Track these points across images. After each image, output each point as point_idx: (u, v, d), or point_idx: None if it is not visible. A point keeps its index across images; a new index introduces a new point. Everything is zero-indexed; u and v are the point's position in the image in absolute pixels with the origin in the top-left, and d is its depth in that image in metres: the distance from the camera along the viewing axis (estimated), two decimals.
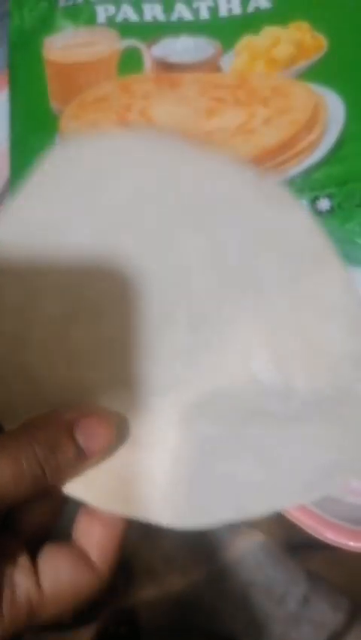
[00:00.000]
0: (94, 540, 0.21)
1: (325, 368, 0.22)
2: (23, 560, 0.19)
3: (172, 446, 0.21)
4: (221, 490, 0.21)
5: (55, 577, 0.20)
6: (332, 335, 0.22)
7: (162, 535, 0.59)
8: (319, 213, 0.32)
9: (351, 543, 0.28)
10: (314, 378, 0.22)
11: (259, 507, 0.21)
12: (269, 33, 0.37)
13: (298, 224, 0.23)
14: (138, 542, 0.60)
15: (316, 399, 0.21)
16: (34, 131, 0.36)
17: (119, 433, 0.21)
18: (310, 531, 0.28)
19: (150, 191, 0.23)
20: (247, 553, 0.60)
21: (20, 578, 0.19)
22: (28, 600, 0.19)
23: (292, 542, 0.60)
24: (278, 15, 0.37)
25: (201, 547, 0.60)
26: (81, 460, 0.20)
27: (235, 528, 0.60)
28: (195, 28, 0.38)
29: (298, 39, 0.36)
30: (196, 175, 0.23)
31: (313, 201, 0.32)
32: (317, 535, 0.28)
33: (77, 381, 0.22)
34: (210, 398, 0.22)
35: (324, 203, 0.32)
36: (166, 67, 0.38)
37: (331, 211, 0.32)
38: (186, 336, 0.22)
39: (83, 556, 0.21)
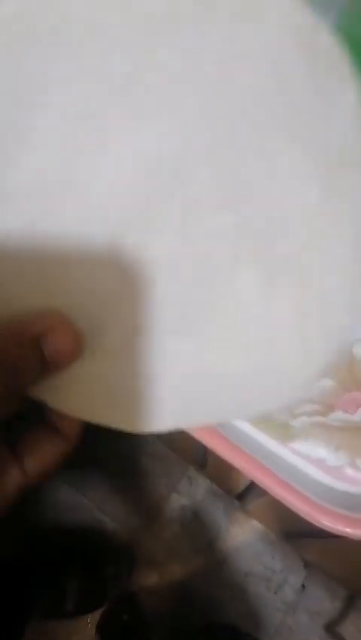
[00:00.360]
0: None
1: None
2: (5, 453, 0.21)
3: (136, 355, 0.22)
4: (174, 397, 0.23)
5: (37, 459, 0.22)
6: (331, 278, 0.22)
7: (163, 526, 0.61)
8: None
9: (348, 530, 0.29)
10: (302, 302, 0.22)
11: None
12: None
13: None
14: (140, 533, 0.62)
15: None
16: None
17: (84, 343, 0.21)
18: (306, 518, 0.29)
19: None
20: (245, 543, 0.61)
21: (5, 473, 0.21)
22: (16, 489, 0.22)
23: (289, 531, 0.62)
24: None
25: (201, 538, 0.61)
26: (46, 371, 0.20)
27: (232, 518, 0.62)
28: None
29: None
30: None
31: None
32: (313, 522, 0.29)
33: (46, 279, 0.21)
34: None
35: None
36: None
37: None
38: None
39: (55, 429, 0.23)
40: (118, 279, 0.21)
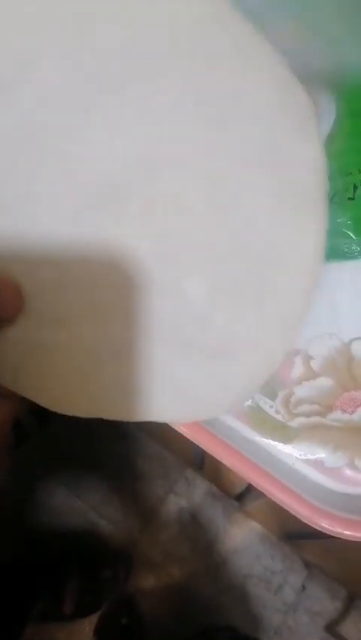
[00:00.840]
0: None
1: (252, 315, 0.24)
2: None
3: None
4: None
5: None
6: (273, 296, 0.24)
7: (161, 528, 0.60)
8: None
9: (347, 532, 0.28)
10: (237, 319, 0.24)
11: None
12: None
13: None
14: (138, 535, 0.61)
15: (229, 339, 0.24)
16: None
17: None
18: (305, 520, 0.28)
19: None
20: (245, 544, 0.61)
21: None
22: None
23: (288, 533, 0.61)
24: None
25: (199, 539, 0.60)
26: None
27: (231, 519, 0.61)
28: None
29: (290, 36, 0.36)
30: None
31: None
32: (312, 525, 0.28)
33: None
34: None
35: None
36: None
37: None
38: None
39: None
40: (98, 272, 0.23)
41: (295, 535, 0.60)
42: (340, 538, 0.28)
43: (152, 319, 0.23)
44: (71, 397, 0.24)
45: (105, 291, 0.23)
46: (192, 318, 0.24)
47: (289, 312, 0.25)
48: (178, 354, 0.24)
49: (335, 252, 0.32)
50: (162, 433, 0.62)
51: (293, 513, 0.28)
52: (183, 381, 0.24)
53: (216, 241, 0.23)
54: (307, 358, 0.32)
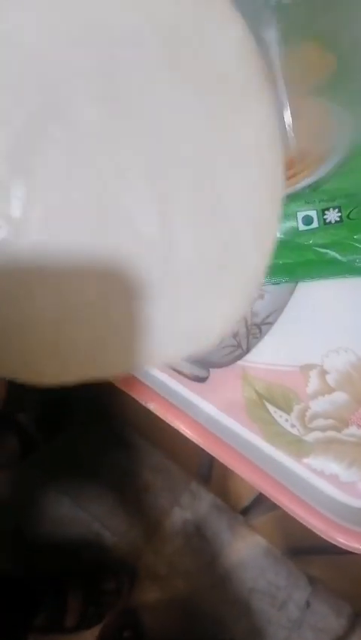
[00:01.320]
0: None
1: (215, 234, 0.22)
2: None
3: None
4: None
5: None
6: (234, 200, 0.22)
7: (165, 541, 0.60)
8: (328, 224, 0.33)
9: None
10: (201, 247, 0.22)
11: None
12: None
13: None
14: (141, 547, 0.61)
15: (194, 270, 0.22)
16: None
17: None
18: (321, 534, 0.28)
19: None
20: (249, 559, 0.60)
21: None
22: None
23: (293, 548, 0.61)
24: (288, 36, 0.38)
25: (204, 553, 0.60)
26: None
27: (236, 533, 0.61)
28: None
29: (308, 59, 0.37)
30: None
31: (323, 212, 0.33)
32: (328, 539, 0.28)
33: None
34: None
35: (333, 214, 0.33)
36: None
37: (340, 222, 0.33)
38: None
39: None
40: None
41: (299, 550, 0.59)
42: (345, 554, 0.28)
43: (111, 268, 0.22)
44: (46, 366, 0.23)
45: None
46: (152, 252, 0.22)
47: (257, 215, 0.23)
48: (149, 297, 0.23)
49: (350, 268, 0.33)
50: (167, 444, 0.62)
51: (309, 527, 0.28)
52: (163, 323, 0.23)
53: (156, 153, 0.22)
54: (323, 373, 0.32)
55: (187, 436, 0.29)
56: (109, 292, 0.22)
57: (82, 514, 0.58)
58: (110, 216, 0.21)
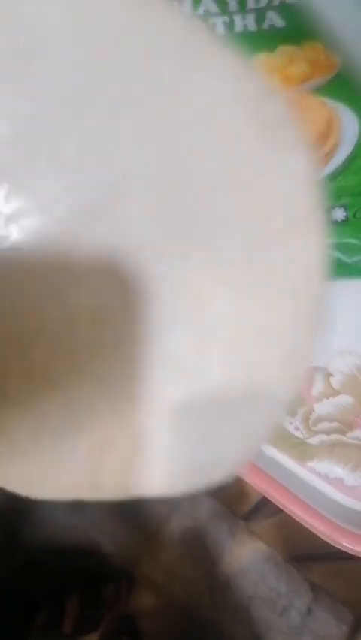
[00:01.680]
0: None
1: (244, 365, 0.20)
2: None
3: None
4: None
5: None
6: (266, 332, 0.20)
7: (164, 547, 0.59)
8: (334, 222, 0.32)
9: None
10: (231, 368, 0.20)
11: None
12: (284, 51, 0.37)
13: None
14: (140, 553, 0.60)
15: (213, 398, 0.21)
16: None
17: None
18: (325, 538, 0.28)
19: None
20: (250, 565, 0.60)
21: None
22: None
23: (294, 554, 0.60)
24: (292, 34, 0.38)
25: (204, 559, 0.59)
26: None
27: (237, 539, 0.60)
28: None
29: (313, 57, 0.37)
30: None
31: (328, 211, 0.33)
32: (332, 543, 0.28)
33: None
34: None
35: (339, 213, 0.32)
36: None
37: (346, 220, 0.32)
38: None
39: None
40: None
41: (301, 556, 0.59)
42: (347, 559, 0.28)
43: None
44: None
45: None
46: (177, 375, 0.20)
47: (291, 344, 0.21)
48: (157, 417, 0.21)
49: (355, 270, 0.32)
50: None
51: (313, 531, 0.28)
52: (166, 448, 0.21)
53: None
54: (328, 375, 0.32)
55: None
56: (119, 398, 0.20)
57: (79, 521, 0.58)
58: None
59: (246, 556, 0.60)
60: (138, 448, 0.20)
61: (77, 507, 0.60)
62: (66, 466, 0.20)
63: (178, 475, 0.21)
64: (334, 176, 0.33)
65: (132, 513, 0.61)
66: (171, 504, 0.62)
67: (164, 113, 0.19)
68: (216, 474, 0.22)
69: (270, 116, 0.19)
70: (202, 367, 0.20)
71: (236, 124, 0.19)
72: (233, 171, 0.19)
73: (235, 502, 0.60)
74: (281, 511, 0.30)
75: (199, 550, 0.61)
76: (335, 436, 0.31)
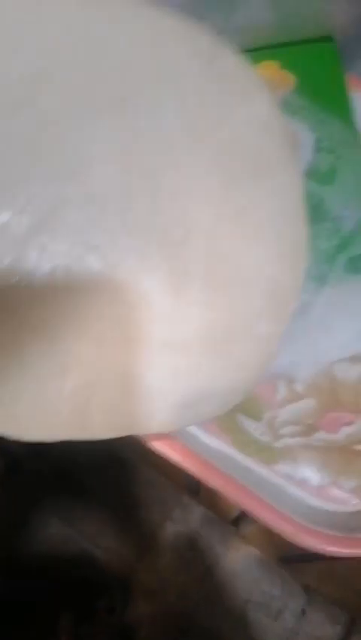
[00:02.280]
0: None
1: (229, 303, 0.21)
2: None
3: None
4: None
5: None
6: (252, 268, 0.21)
7: (158, 555, 0.60)
8: None
9: (331, 548, 0.29)
10: (212, 315, 0.21)
11: None
12: None
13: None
14: (134, 563, 0.61)
15: (201, 337, 0.21)
16: None
17: None
18: (289, 538, 0.29)
19: None
20: (243, 570, 0.60)
21: None
22: None
23: (286, 557, 0.61)
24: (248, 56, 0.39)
25: (197, 566, 0.60)
26: None
27: (229, 544, 0.61)
28: None
29: (268, 76, 0.38)
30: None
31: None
32: (297, 542, 0.29)
33: None
34: None
35: None
36: None
37: None
38: None
39: None
40: None
41: (293, 558, 0.59)
42: (338, 560, 0.29)
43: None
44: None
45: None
46: (159, 315, 0.21)
47: (275, 285, 0.22)
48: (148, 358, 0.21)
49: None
50: (155, 458, 0.62)
51: (277, 531, 0.29)
52: (160, 387, 0.22)
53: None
54: (291, 381, 0.33)
55: (154, 448, 0.30)
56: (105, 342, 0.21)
57: (72, 533, 0.58)
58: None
59: (239, 560, 0.61)
60: (126, 388, 0.21)
61: (70, 519, 0.61)
62: (53, 407, 0.21)
63: (168, 413, 0.22)
64: None
65: (125, 522, 0.62)
66: (163, 513, 0.63)
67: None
68: (207, 409, 0.23)
69: (224, 69, 0.22)
70: (183, 306, 0.21)
71: (194, 77, 0.21)
72: (193, 121, 0.21)
73: (224, 507, 0.60)
74: None
75: (193, 557, 0.62)
76: (299, 439, 0.32)
